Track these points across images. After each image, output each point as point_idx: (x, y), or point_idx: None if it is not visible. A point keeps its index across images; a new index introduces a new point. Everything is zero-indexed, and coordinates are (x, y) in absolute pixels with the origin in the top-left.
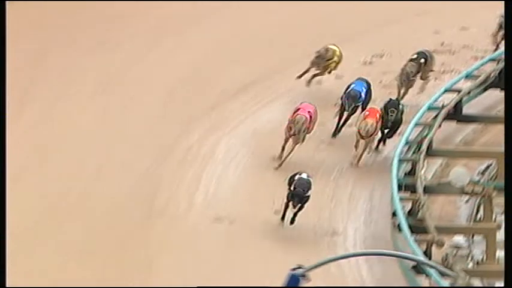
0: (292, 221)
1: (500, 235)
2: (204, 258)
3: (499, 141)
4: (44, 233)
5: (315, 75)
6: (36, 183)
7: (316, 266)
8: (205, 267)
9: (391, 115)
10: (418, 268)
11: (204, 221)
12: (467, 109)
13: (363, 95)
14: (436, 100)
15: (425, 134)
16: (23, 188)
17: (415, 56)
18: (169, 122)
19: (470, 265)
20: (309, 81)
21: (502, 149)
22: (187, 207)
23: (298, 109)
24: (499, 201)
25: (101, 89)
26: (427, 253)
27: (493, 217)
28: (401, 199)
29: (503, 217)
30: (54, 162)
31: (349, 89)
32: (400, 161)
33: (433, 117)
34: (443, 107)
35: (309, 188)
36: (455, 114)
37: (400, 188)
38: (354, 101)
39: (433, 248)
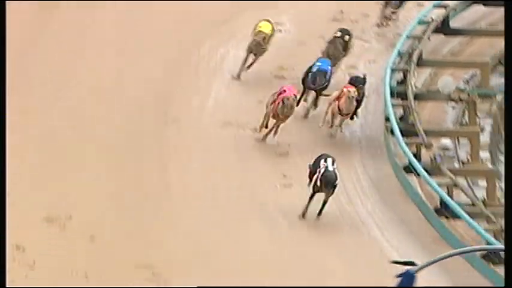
0: (319, 213)
1: (484, 137)
2: (213, 159)
3: (482, 52)
4: (67, 136)
5: (253, 62)
6: (58, 90)
7: (428, 264)
8: (215, 166)
9: (360, 90)
10: (408, 168)
11: (214, 126)
12: (453, 23)
13: (329, 73)
14: (425, 15)
15: (415, 46)
16: (41, 98)
17: (339, 33)
18: (181, 37)
19: (456, 165)
20: (249, 67)
21: (486, 59)
22: (198, 113)
23: (284, 91)
24: (482, 106)
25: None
26: (417, 154)
27: (477, 121)
28: (393, 105)
29: (486, 121)
30: (73, 70)
31: (316, 68)
32: (393, 70)
33: (423, 30)
34: (432, 21)
35: (336, 177)
36: (443, 27)
37: (392, 95)
38: (323, 77)
39: (422, 150)
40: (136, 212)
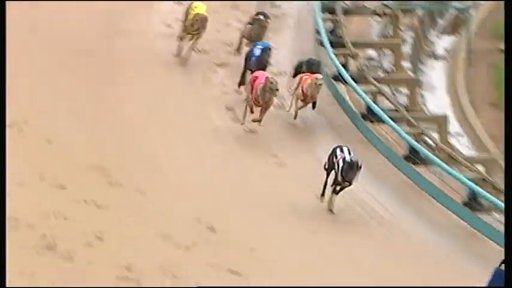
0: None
1: (406, 48)
2: (159, 69)
3: None
4: (24, 44)
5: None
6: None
7: None
8: (161, 74)
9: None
10: (337, 77)
11: (160, 38)
12: None
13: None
14: None
15: None
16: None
17: (260, 16)
18: None
19: (381, 74)
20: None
21: None
22: (145, 25)
23: (256, 77)
24: (404, 20)
25: None
26: (345, 64)
27: (399, 34)
28: (323, 20)
29: (407, 34)
30: None
31: (259, 50)
32: None
33: None
34: None
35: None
36: None
37: (323, 10)
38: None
39: (350, 60)
40: (89, 116)
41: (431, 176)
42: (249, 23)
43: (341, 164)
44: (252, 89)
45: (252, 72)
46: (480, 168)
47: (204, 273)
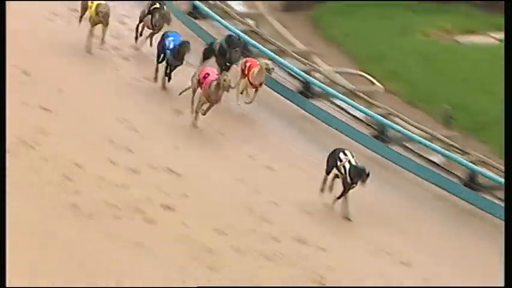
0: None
1: None
2: None
3: None
4: None
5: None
6: None
7: None
8: None
9: (236, 51)
10: (192, 13)
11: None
12: None
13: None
14: None
15: None
16: None
17: (158, 5)
18: None
19: None
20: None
21: None
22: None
23: (208, 74)
24: None
25: None
26: None
27: None
28: None
29: None
30: None
31: (173, 43)
32: None
33: None
34: None
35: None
36: None
37: None
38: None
39: None
40: None
41: (211, 28)
42: (148, 13)
43: (347, 167)
44: (202, 84)
45: (172, 65)
46: (250, 21)
47: (19, 109)
